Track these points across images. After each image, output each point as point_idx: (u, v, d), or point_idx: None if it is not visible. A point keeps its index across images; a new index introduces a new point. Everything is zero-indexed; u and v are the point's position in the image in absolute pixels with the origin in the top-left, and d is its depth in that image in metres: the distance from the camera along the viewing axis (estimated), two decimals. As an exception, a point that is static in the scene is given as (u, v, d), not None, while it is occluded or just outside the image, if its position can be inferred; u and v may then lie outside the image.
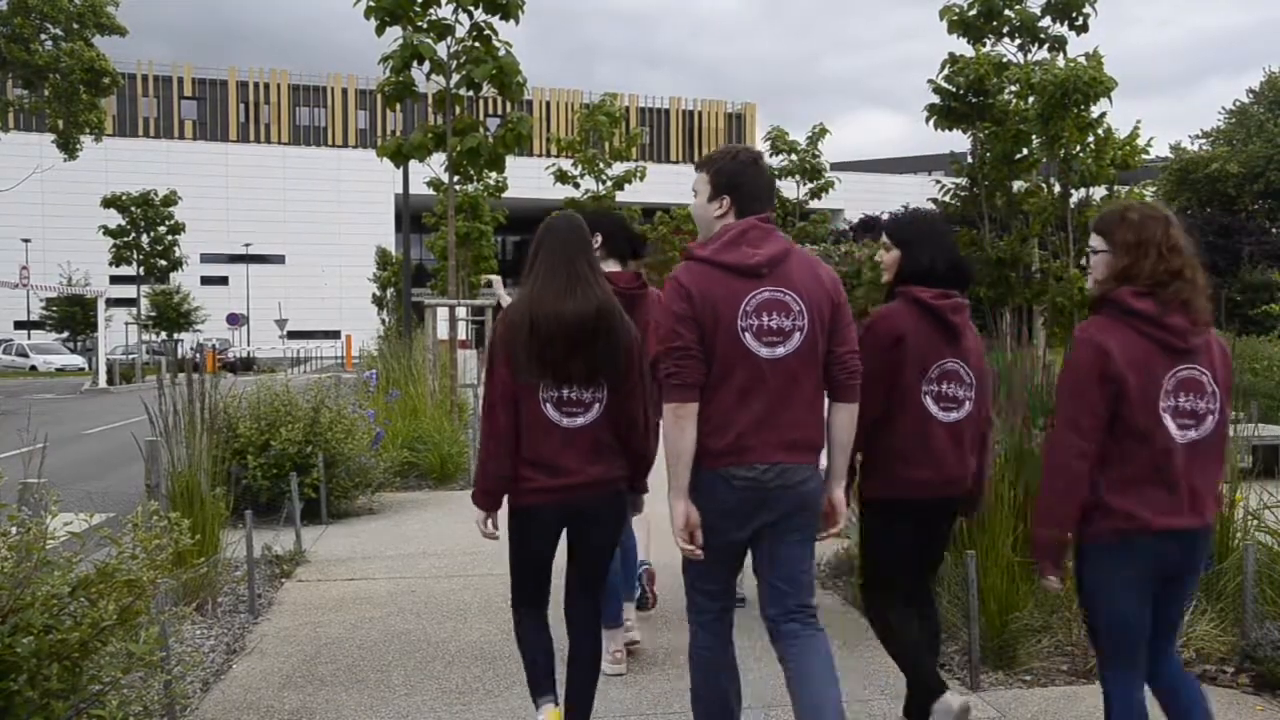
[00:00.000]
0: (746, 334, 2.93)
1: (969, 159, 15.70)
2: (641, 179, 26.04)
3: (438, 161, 12.36)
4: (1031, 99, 13.32)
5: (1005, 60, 14.69)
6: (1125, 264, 2.77)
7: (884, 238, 3.55)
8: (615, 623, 4.35)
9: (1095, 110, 13.34)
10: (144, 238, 39.98)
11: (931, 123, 15.41)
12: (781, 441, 2.94)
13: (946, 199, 16.30)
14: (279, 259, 63.78)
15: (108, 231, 39.74)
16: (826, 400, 3.10)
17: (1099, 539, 2.75)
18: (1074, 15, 14.28)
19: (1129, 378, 2.69)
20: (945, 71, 14.95)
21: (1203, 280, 2.81)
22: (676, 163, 75.00)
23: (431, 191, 22.46)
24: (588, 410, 3.26)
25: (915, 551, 3.50)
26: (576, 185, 24.64)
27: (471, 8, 11.16)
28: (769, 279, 2.95)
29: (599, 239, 4.20)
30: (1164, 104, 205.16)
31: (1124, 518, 2.71)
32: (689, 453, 2.92)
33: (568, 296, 3.21)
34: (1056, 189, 14.26)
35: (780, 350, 2.94)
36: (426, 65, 11.19)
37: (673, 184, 58.32)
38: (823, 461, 3.13)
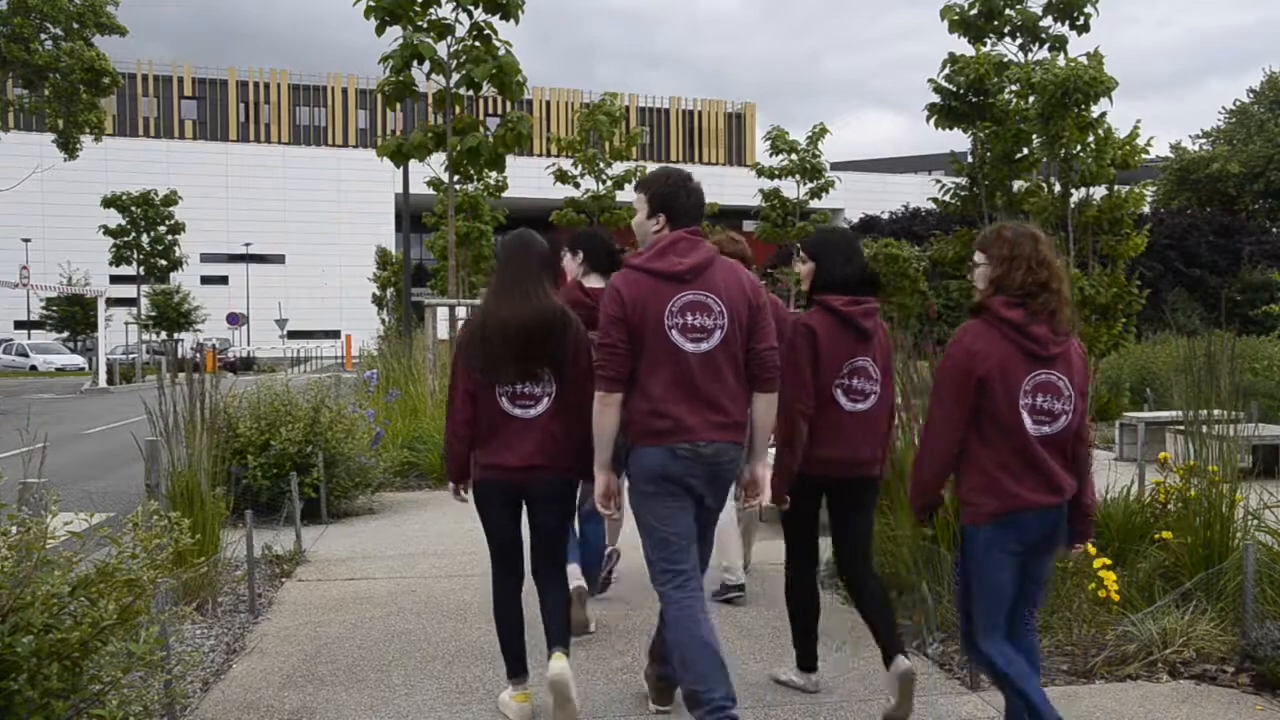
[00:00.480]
0: (673, 331, 3.39)
1: (969, 158, 15.69)
2: (642, 179, 26.00)
3: (438, 161, 12.35)
4: (1032, 98, 13.30)
5: (1006, 60, 14.67)
6: (999, 275, 3.16)
7: (799, 252, 4.03)
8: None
9: (1095, 110, 13.32)
10: (144, 237, 40.00)
11: (932, 122, 15.39)
12: (712, 423, 3.40)
13: (947, 198, 16.28)
14: (279, 259, 63.77)
15: (108, 231, 39.76)
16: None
17: (981, 520, 3.15)
18: (1075, 15, 14.27)
19: (994, 378, 3.09)
20: (946, 71, 14.93)
21: (1068, 293, 3.21)
22: (676, 162, 74.97)
23: (431, 191, 22.44)
24: (538, 403, 3.71)
25: (837, 529, 4.00)
26: (576, 185, 24.60)
27: (471, 7, 11.16)
28: (693, 284, 3.41)
29: (580, 255, 4.68)
30: (1161, 104, 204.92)
31: (1006, 497, 3.11)
32: (609, 434, 3.44)
33: (514, 306, 3.67)
34: (1057, 188, 14.25)
35: (704, 345, 3.40)
36: (426, 65, 11.18)
37: (673, 184, 58.46)
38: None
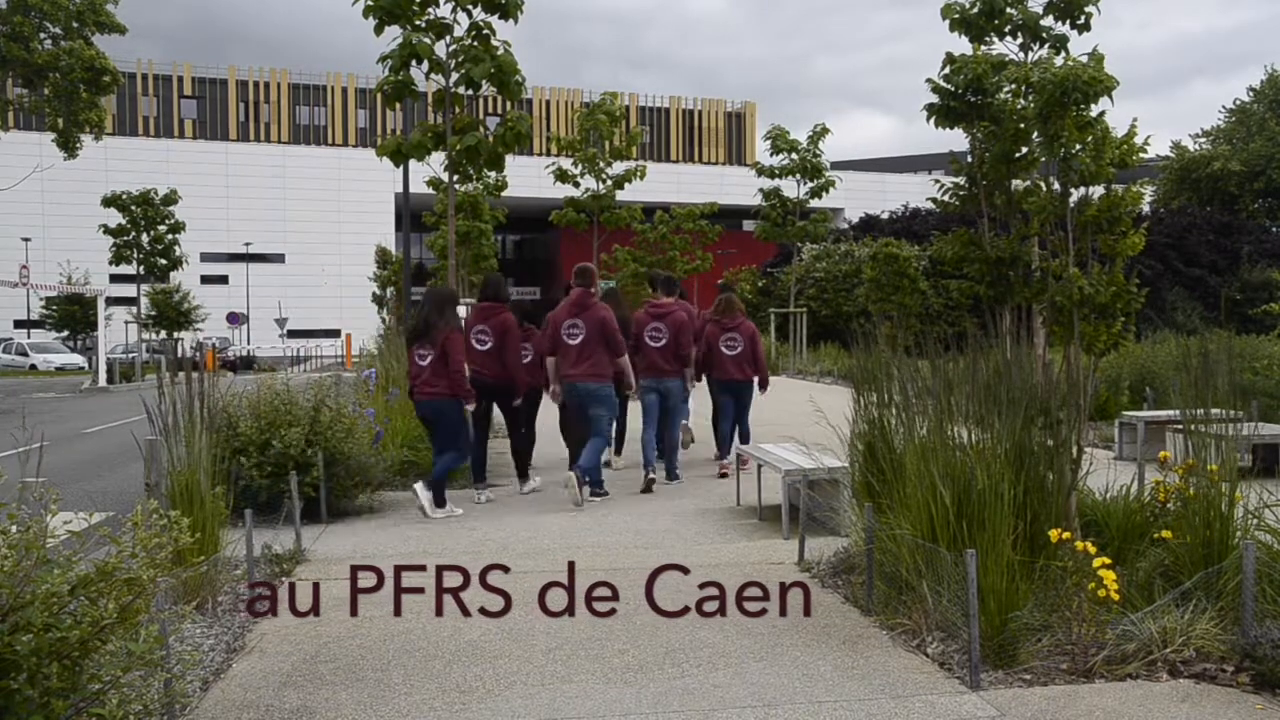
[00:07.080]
0: (563, 334, 8.51)
1: (968, 158, 15.68)
2: (641, 178, 25.94)
3: (437, 160, 12.35)
4: (1030, 98, 13.27)
5: (1005, 60, 14.65)
6: (713, 308, 10.08)
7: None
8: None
9: (1095, 109, 13.29)
10: (144, 237, 39.80)
11: (931, 122, 15.36)
12: (580, 371, 8.44)
13: (946, 198, 16.25)
14: (279, 258, 63.76)
15: (108, 230, 39.60)
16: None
17: (709, 381, 9.94)
18: (1076, 14, 14.23)
19: (709, 335, 9.80)
20: (945, 71, 14.91)
21: (737, 308, 9.93)
22: (676, 162, 74.94)
23: (431, 191, 22.43)
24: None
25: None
26: (576, 184, 24.60)
27: (470, 7, 11.15)
28: (576, 315, 8.48)
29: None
30: (1147, 106, 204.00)
31: (715, 375, 9.80)
32: (552, 371, 8.72)
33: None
34: (1055, 188, 14.23)
35: (576, 340, 8.46)
36: (425, 64, 11.17)
37: (673, 184, 58.53)
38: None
